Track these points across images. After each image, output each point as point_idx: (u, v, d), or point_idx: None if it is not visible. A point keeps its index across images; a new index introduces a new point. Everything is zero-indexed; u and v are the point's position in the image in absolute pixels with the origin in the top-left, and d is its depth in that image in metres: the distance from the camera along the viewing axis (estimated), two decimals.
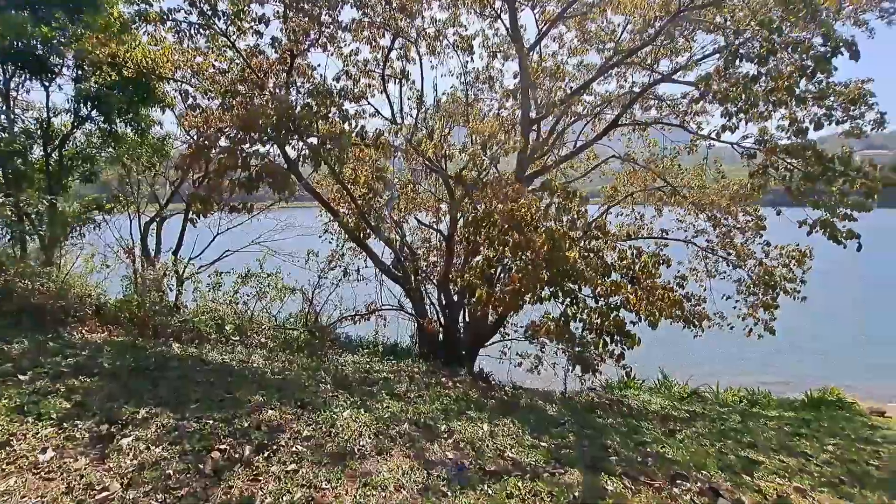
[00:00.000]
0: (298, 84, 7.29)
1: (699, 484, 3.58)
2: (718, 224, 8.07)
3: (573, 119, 8.67)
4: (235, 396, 4.35)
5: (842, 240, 6.23)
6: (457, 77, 8.64)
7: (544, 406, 5.73)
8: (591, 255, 6.14)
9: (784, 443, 5.46)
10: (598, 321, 5.55)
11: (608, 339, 5.54)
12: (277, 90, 6.99)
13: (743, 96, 5.40)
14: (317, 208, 8.84)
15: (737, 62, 4.99)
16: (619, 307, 6.00)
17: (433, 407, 4.76)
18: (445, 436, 3.96)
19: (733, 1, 5.74)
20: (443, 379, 6.81)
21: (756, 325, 7.95)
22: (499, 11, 8.04)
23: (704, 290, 8.40)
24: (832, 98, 5.33)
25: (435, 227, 9.00)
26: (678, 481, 3.58)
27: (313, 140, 6.44)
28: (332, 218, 8.83)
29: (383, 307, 9.05)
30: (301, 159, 6.61)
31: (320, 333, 8.24)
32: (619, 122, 8.13)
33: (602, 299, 5.90)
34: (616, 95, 8.11)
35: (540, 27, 8.04)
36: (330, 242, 9.83)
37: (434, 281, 8.79)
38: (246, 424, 3.70)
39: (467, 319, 8.40)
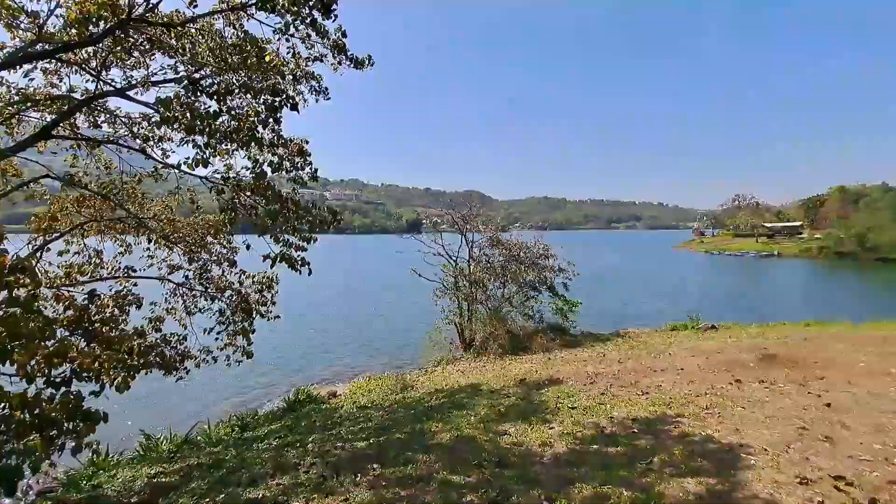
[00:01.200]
0: None
1: None
2: (195, 258, 7.72)
3: None
4: None
5: (297, 267, 7.42)
6: None
7: None
8: (19, 311, 4.19)
9: (277, 462, 5.75)
10: (30, 416, 3.77)
11: (56, 433, 3.89)
12: None
13: (208, 130, 5.30)
14: None
15: (197, 95, 4.80)
16: (70, 379, 4.39)
17: None
18: None
19: (193, 35, 5.52)
20: None
21: (235, 352, 8.13)
22: None
23: (186, 328, 7.85)
24: (283, 148, 6.17)
25: None
26: None
27: None
28: None
29: None
30: None
31: None
32: (55, 134, 6.15)
33: (40, 376, 4.10)
34: (47, 95, 6.07)
35: None
36: None
37: None
38: None
39: None
